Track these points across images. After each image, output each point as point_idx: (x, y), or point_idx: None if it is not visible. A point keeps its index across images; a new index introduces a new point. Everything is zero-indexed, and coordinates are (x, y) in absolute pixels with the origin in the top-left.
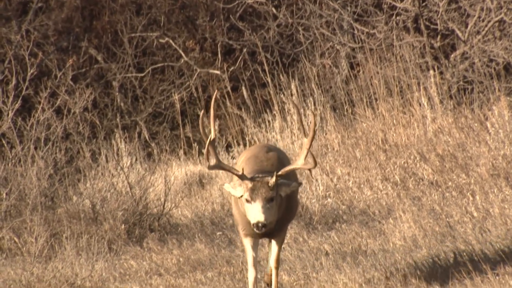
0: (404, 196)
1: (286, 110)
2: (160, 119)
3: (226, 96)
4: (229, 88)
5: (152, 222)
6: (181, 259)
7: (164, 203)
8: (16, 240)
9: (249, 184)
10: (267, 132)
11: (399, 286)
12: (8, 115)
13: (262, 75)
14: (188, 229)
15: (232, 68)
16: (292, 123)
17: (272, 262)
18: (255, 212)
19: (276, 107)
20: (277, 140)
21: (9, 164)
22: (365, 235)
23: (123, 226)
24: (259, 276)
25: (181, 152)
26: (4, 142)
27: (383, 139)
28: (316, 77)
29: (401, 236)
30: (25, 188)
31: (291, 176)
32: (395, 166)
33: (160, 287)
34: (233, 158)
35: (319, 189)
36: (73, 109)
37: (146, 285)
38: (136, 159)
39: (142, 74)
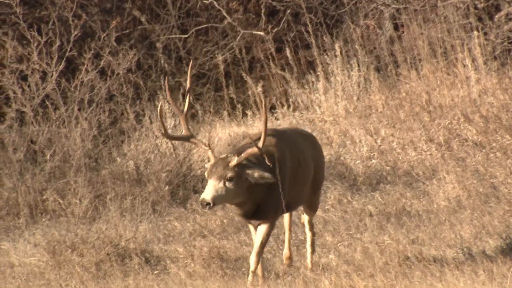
0: (448, 157)
1: (330, 71)
2: (204, 80)
3: (270, 57)
4: (272, 50)
5: (196, 183)
6: (225, 221)
7: None
8: (60, 201)
9: (212, 161)
10: (310, 93)
11: (444, 247)
12: (52, 76)
13: (306, 36)
14: None
15: (275, 29)
16: (335, 84)
17: (254, 249)
18: (205, 189)
19: (320, 68)
20: (320, 101)
21: (53, 126)
22: (409, 196)
23: (167, 188)
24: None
25: (225, 113)
26: (48, 103)
27: (427, 100)
28: (360, 38)
29: (445, 197)
30: (69, 149)
31: (320, 162)
32: (439, 127)
33: (204, 248)
34: (277, 119)
35: (363, 150)
36: (117, 70)
37: (190, 247)
38: (180, 120)
39: (186, 35)
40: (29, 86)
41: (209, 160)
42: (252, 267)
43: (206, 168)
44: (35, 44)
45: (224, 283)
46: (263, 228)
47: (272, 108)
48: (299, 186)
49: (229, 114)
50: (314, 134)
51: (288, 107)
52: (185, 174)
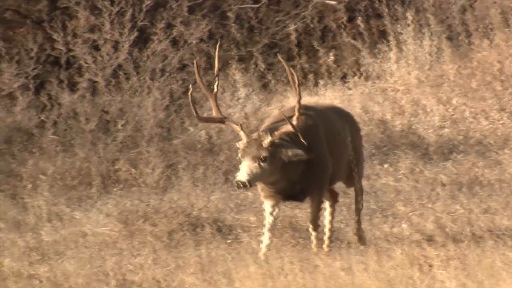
0: None
1: (402, 40)
2: (276, 50)
3: (341, 26)
4: (344, 19)
5: None
6: None
7: None
8: (133, 171)
9: (244, 140)
10: (382, 62)
11: None
12: (124, 46)
13: (377, 5)
14: None
15: None
16: (407, 53)
17: (309, 222)
18: (240, 170)
19: (392, 38)
20: (392, 70)
21: (125, 95)
22: (482, 165)
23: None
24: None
25: None
26: (120, 73)
27: (500, 69)
28: (432, 7)
29: None
30: (141, 119)
31: (356, 138)
32: None
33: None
34: (349, 89)
35: (435, 119)
36: (189, 40)
37: (262, 216)
38: (252, 90)
39: (258, 5)
40: (101, 56)
41: (241, 140)
42: (312, 238)
43: (239, 148)
44: (107, 14)
45: (296, 253)
46: (312, 205)
47: (344, 77)
48: (337, 159)
49: (301, 84)
50: (386, 103)
51: (360, 76)
52: None
